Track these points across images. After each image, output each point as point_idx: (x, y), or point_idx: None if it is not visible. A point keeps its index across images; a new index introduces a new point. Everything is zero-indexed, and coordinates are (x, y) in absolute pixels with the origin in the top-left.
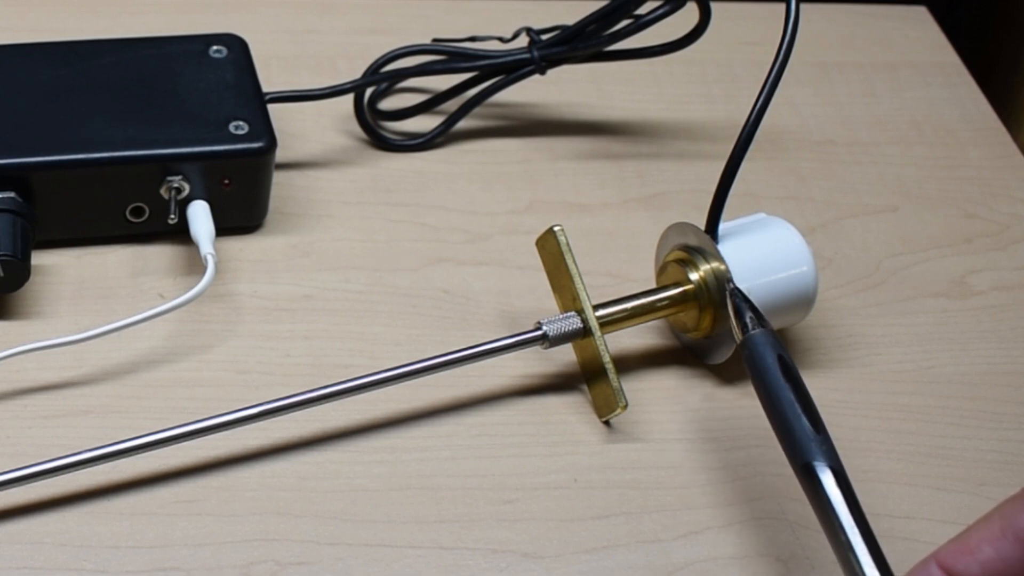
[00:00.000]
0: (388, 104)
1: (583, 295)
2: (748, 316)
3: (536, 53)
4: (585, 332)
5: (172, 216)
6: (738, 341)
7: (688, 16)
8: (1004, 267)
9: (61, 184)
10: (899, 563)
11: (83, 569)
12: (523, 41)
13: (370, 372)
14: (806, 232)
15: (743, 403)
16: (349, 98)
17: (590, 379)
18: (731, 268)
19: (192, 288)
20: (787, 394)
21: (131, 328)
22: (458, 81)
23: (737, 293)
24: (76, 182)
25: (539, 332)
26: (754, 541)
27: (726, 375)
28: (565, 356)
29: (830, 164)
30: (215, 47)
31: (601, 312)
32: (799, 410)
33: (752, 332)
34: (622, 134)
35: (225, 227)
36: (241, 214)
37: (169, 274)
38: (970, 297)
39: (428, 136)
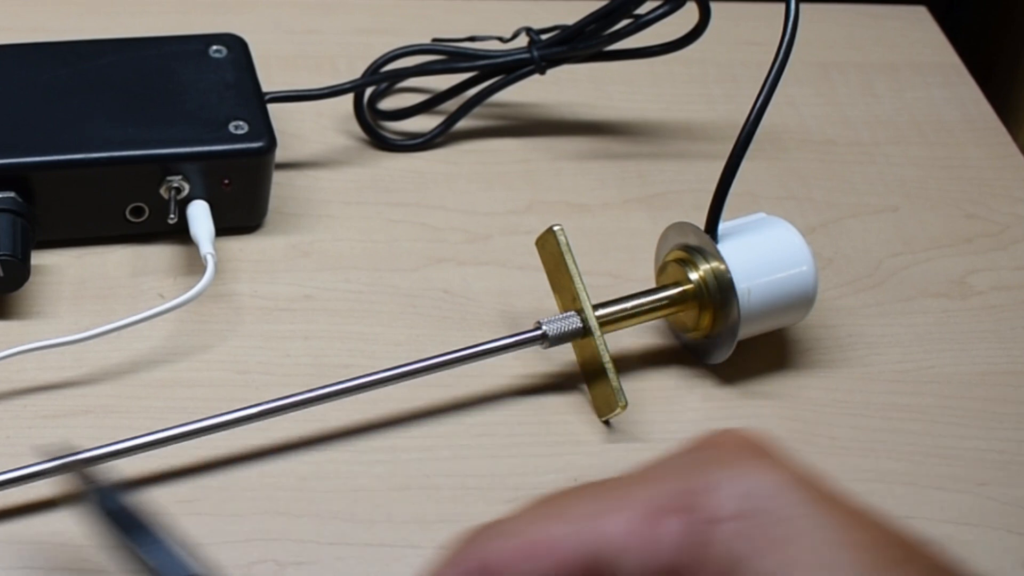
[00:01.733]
0: (388, 104)
1: (583, 295)
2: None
3: (536, 53)
4: (585, 332)
5: (172, 216)
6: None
7: (688, 16)
8: (1004, 267)
9: (61, 184)
10: None
11: (83, 569)
12: (523, 41)
13: (370, 372)
14: (806, 232)
15: (743, 403)
16: (349, 98)
17: (590, 379)
18: (731, 268)
19: (192, 288)
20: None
21: (131, 328)
22: (458, 81)
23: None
24: (76, 182)
25: (539, 332)
26: None
27: (726, 375)
28: (565, 356)
29: (830, 164)
30: (215, 47)
31: (601, 312)
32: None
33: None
34: (622, 134)
35: (225, 227)
36: (241, 214)
37: (169, 274)
38: (970, 297)
39: (428, 136)
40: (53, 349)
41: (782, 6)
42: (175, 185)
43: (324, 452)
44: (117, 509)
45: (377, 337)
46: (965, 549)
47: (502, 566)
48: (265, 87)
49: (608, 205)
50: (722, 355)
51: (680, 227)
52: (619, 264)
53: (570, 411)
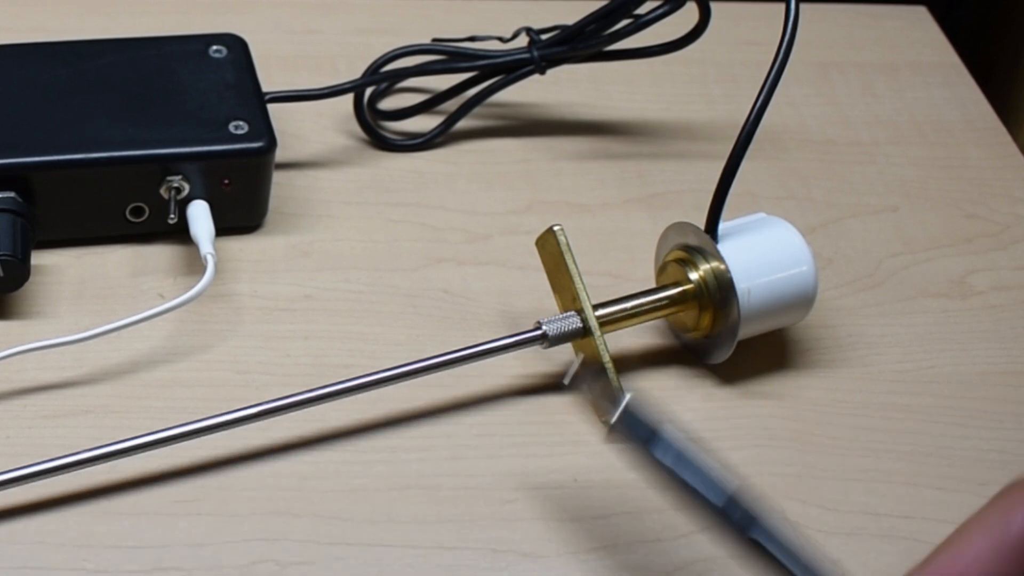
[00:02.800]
0: (388, 104)
1: (583, 295)
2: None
3: (536, 53)
4: (585, 332)
5: (172, 216)
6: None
7: (688, 16)
8: (1004, 267)
9: (61, 184)
10: (899, 563)
11: (83, 569)
12: (523, 41)
13: (370, 372)
14: (806, 232)
15: (743, 403)
16: (349, 98)
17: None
18: (731, 268)
19: (192, 288)
20: (680, 473)
21: (131, 328)
22: (458, 81)
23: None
24: (76, 182)
25: (539, 332)
26: None
27: (726, 375)
28: (565, 356)
29: (830, 164)
30: (215, 47)
31: (601, 312)
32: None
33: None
34: (622, 134)
35: (225, 227)
36: (241, 214)
37: (169, 274)
38: (970, 297)
39: (428, 136)
40: (53, 349)
41: (782, 6)
42: (175, 185)
43: (324, 452)
44: (650, 431)
45: (377, 337)
46: None
47: None
48: (265, 87)
49: (608, 205)
50: (722, 355)
51: (680, 227)
52: (619, 264)
53: (570, 411)
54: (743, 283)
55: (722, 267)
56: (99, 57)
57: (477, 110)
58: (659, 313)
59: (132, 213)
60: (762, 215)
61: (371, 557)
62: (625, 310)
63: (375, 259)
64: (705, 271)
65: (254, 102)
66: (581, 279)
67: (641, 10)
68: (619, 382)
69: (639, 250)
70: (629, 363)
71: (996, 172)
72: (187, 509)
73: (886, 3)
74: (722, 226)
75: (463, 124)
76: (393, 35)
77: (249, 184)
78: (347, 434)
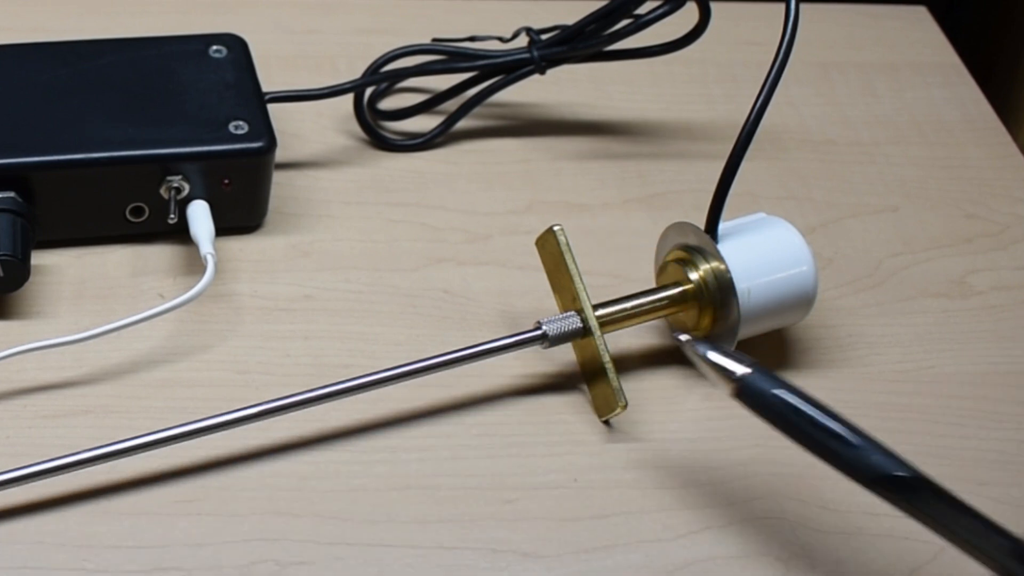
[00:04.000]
0: (388, 104)
1: (583, 295)
2: (727, 361)
3: (536, 53)
4: (585, 332)
5: (172, 216)
6: (729, 392)
7: (688, 16)
8: (1004, 267)
9: (61, 184)
10: (899, 564)
11: (83, 569)
12: (523, 41)
13: (370, 372)
14: (806, 232)
15: None
16: (349, 98)
17: (590, 379)
18: (731, 268)
19: (192, 288)
20: (821, 419)
21: (131, 328)
22: (458, 81)
23: (701, 344)
24: (76, 182)
25: (539, 332)
26: (754, 541)
27: None
28: (565, 356)
29: (830, 164)
30: (215, 47)
31: (601, 312)
32: (843, 430)
33: (743, 375)
34: (622, 134)
35: (225, 227)
36: (241, 214)
37: (169, 274)
38: (970, 297)
39: (428, 136)
40: (53, 349)
41: (782, 6)
42: (175, 185)
43: (324, 452)
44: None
45: (377, 337)
46: None
47: None
48: (265, 87)
49: (608, 205)
50: None
51: (680, 227)
52: (619, 264)
53: (570, 411)
54: (743, 283)
55: (722, 267)
56: (99, 57)
57: (477, 110)
58: (659, 313)
59: (132, 213)
60: (762, 215)
61: (371, 557)
62: (625, 310)
63: (375, 259)
64: (705, 271)
65: (254, 102)
66: (581, 279)
67: (641, 10)
68: (619, 382)
69: (639, 250)
70: (629, 363)
71: (996, 172)
72: (187, 509)
73: (886, 3)
74: (722, 226)
75: (463, 124)
76: (393, 35)
77: (249, 184)
78: (347, 434)
